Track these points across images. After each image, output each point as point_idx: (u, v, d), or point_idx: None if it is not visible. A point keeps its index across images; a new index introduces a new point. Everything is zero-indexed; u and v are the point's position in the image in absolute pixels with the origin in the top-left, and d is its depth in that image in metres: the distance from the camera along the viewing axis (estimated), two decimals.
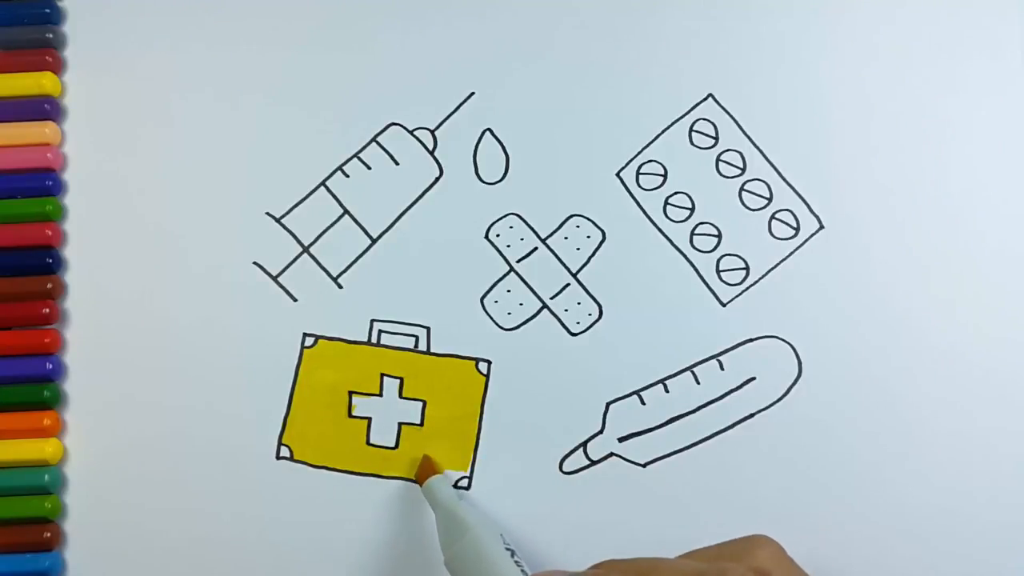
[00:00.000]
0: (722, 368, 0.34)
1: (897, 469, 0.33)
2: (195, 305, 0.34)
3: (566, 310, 0.34)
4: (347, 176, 0.35)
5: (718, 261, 0.35)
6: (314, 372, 0.34)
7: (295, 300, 0.34)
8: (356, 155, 0.35)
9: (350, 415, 0.34)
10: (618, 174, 0.35)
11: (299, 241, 0.35)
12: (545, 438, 0.34)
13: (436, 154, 0.35)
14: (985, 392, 0.34)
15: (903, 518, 0.33)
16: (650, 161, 0.35)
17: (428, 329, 0.34)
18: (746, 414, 0.34)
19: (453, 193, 0.35)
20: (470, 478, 0.34)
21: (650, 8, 0.36)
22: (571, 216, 0.35)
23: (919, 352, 0.34)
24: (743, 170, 0.35)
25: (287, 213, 0.35)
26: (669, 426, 0.34)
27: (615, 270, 0.35)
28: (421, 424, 0.34)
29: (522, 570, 0.30)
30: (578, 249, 0.35)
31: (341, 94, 0.35)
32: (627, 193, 0.35)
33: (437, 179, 0.35)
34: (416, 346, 0.34)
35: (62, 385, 0.34)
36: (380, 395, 0.34)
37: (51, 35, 0.35)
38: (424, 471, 0.33)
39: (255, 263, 0.35)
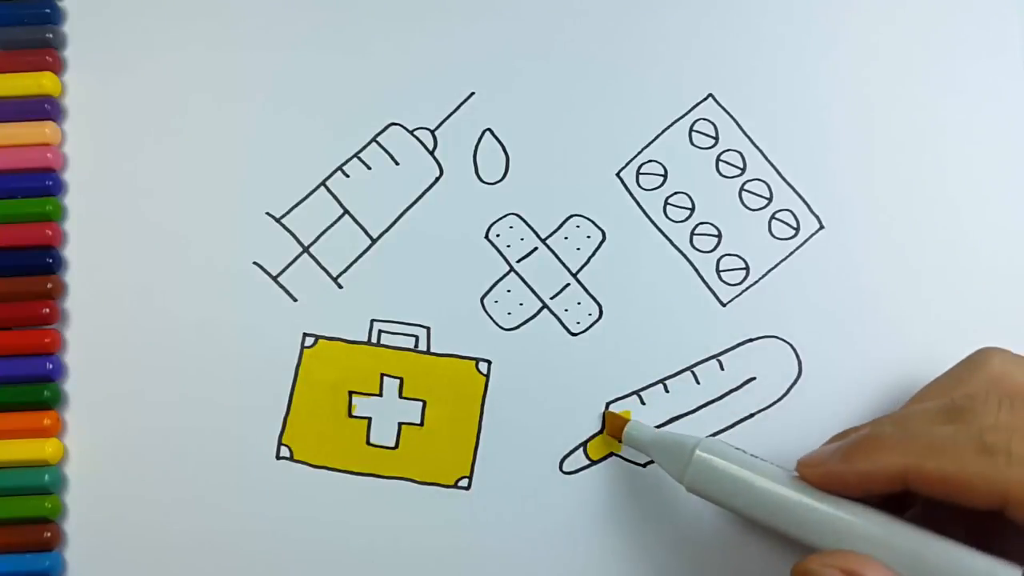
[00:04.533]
0: (722, 368, 0.34)
1: None
2: (195, 305, 0.34)
3: (566, 310, 0.34)
4: (347, 176, 0.35)
5: (718, 261, 0.35)
6: (314, 372, 0.34)
7: (295, 300, 0.34)
8: (356, 155, 0.35)
9: (350, 415, 0.34)
10: (618, 174, 0.35)
11: (299, 241, 0.35)
12: (545, 438, 0.34)
13: (436, 154, 0.35)
14: None
15: None
16: (650, 161, 0.35)
17: (428, 329, 0.34)
18: (746, 414, 0.34)
19: (453, 193, 0.35)
20: (470, 478, 0.34)
21: (650, 8, 0.36)
22: (571, 216, 0.35)
23: (919, 352, 0.34)
24: (743, 170, 0.35)
25: (287, 213, 0.35)
26: (669, 426, 0.34)
27: (615, 270, 0.35)
28: (421, 424, 0.34)
29: (761, 459, 0.29)
30: (578, 249, 0.35)
31: (341, 94, 0.35)
32: (627, 193, 0.35)
33: (437, 179, 0.35)
34: (416, 346, 0.34)
35: (62, 385, 0.34)
36: (380, 395, 0.34)
37: (51, 35, 0.35)
38: (614, 425, 0.33)
39: (255, 263, 0.35)
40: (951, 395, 0.28)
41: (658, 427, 0.34)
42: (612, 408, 0.34)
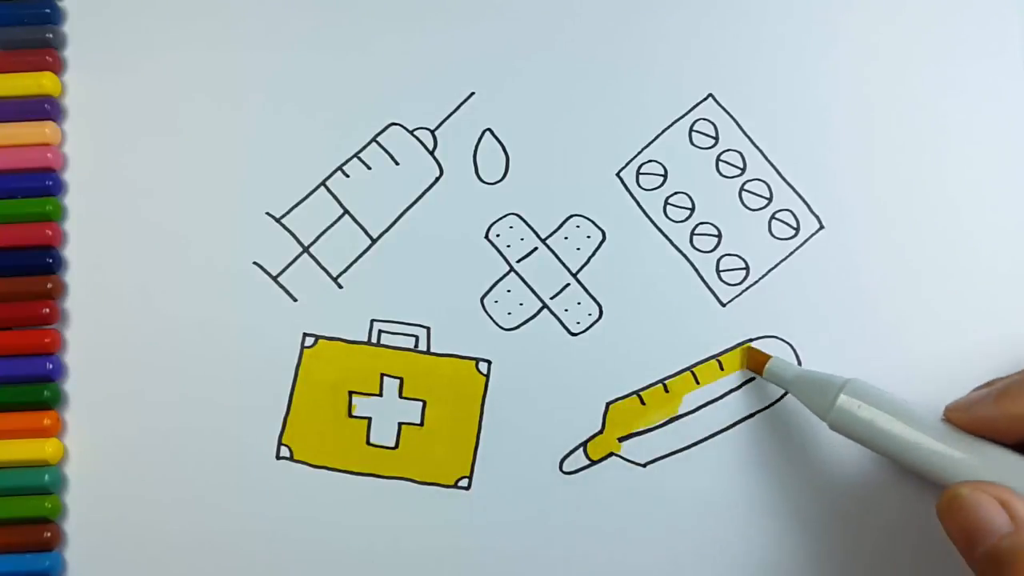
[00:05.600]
0: (722, 368, 0.34)
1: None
2: (195, 305, 0.34)
3: (566, 310, 0.34)
4: (347, 176, 0.35)
5: (718, 261, 0.35)
6: (314, 372, 0.34)
7: (295, 300, 0.34)
8: (356, 155, 0.35)
9: (350, 415, 0.34)
10: (618, 174, 0.35)
11: (299, 241, 0.35)
12: (545, 438, 0.34)
13: (436, 154, 0.35)
14: None
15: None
16: (650, 161, 0.35)
17: (428, 329, 0.34)
18: (746, 414, 0.34)
19: (453, 193, 0.35)
20: (470, 478, 0.34)
21: (650, 8, 0.36)
22: (571, 216, 0.35)
23: (919, 352, 0.34)
24: (743, 170, 0.35)
25: (287, 213, 0.35)
26: (669, 426, 0.34)
27: (615, 270, 0.35)
28: (421, 424, 0.34)
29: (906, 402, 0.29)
30: (578, 249, 0.35)
31: (341, 94, 0.35)
32: (627, 193, 0.35)
33: (437, 179, 0.35)
34: (416, 346, 0.34)
35: (62, 385, 0.34)
36: (380, 395, 0.34)
37: (51, 35, 0.35)
38: (755, 360, 0.33)
39: (255, 263, 0.35)
40: None
41: (658, 427, 0.34)
42: (612, 408, 0.34)
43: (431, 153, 0.35)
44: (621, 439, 0.34)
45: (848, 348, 0.34)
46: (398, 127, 0.35)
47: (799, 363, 0.34)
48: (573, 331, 0.34)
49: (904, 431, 0.28)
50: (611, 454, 0.34)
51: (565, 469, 0.34)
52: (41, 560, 0.33)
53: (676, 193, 0.35)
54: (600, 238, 0.35)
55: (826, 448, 0.33)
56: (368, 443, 0.34)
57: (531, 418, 0.34)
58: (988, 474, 0.27)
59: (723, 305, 0.34)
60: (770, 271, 0.35)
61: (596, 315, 0.34)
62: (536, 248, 0.35)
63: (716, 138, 0.35)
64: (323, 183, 0.35)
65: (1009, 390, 0.27)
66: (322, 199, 0.35)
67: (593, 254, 0.35)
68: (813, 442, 0.33)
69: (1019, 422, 0.26)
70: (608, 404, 0.34)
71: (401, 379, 0.34)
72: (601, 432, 0.34)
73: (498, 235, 0.35)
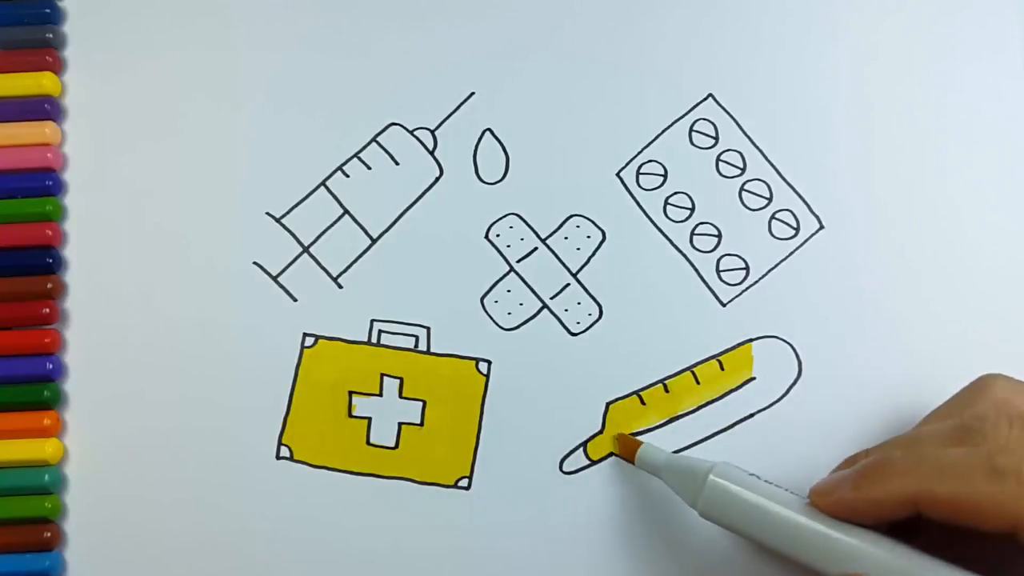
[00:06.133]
0: (722, 368, 0.34)
1: None
2: (195, 305, 0.34)
3: (566, 310, 0.34)
4: (347, 176, 0.35)
5: (718, 261, 0.35)
6: (314, 372, 0.34)
7: (295, 300, 0.34)
8: (356, 155, 0.35)
9: (350, 415, 0.34)
10: (618, 174, 0.35)
11: (299, 241, 0.35)
12: (545, 438, 0.34)
13: (436, 154, 0.35)
14: None
15: None
16: (650, 161, 0.35)
17: (428, 329, 0.34)
18: (746, 414, 0.34)
19: (453, 193, 0.35)
20: (470, 478, 0.34)
21: (650, 8, 0.36)
22: (571, 216, 0.35)
23: (919, 353, 0.34)
24: (743, 170, 0.35)
25: (287, 213, 0.35)
26: (669, 426, 0.34)
27: (615, 270, 0.35)
28: (421, 424, 0.34)
29: (775, 485, 0.29)
30: (578, 249, 0.35)
31: (341, 94, 0.35)
32: (627, 193, 0.35)
33: (437, 179, 0.35)
34: (416, 346, 0.34)
35: (62, 385, 0.34)
36: (380, 395, 0.34)
37: (51, 35, 0.35)
38: (626, 447, 0.33)
39: (255, 263, 0.35)
40: (960, 417, 0.27)
41: (658, 427, 0.34)
42: (612, 408, 0.34)
43: (431, 153, 0.35)
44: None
45: (848, 348, 0.34)
46: (398, 127, 0.35)
47: (799, 363, 0.34)
48: (573, 331, 0.34)
49: (769, 516, 0.28)
50: (611, 454, 0.34)
51: (565, 469, 0.34)
52: (41, 560, 0.33)
53: (676, 193, 0.35)
54: (600, 238, 0.35)
55: (837, 445, 0.33)
56: (368, 443, 0.34)
57: (531, 418, 0.34)
58: (856, 559, 0.26)
59: (723, 305, 0.34)
60: (770, 271, 0.35)
61: (596, 315, 0.34)
62: (536, 248, 0.35)
63: (716, 138, 0.35)
64: (323, 183, 0.35)
65: (868, 472, 0.27)
66: (322, 199, 0.35)
67: (593, 254, 0.35)
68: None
69: (879, 505, 0.26)
70: (608, 404, 0.34)
71: (401, 379, 0.34)
72: (601, 432, 0.34)
73: (498, 235, 0.35)
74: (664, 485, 0.32)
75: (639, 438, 0.33)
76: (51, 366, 0.34)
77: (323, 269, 0.35)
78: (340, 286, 0.35)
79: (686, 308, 0.34)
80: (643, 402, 0.34)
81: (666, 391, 0.34)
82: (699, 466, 0.30)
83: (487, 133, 0.35)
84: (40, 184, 0.34)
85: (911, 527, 0.27)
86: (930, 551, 0.26)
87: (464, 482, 0.34)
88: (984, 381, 0.29)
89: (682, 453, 0.33)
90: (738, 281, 0.35)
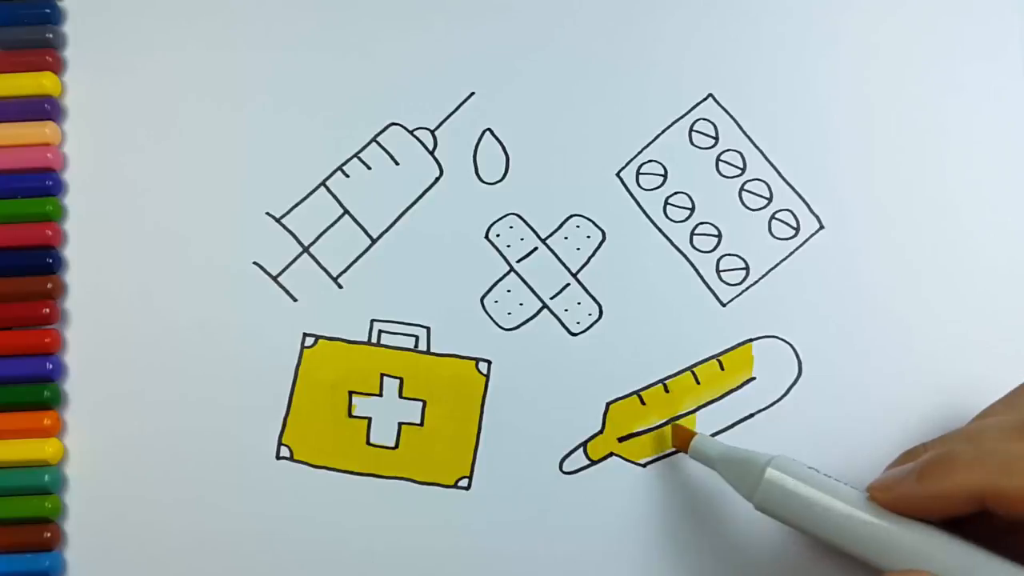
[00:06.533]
0: (722, 368, 0.34)
1: None
2: (195, 305, 0.34)
3: (566, 310, 0.34)
4: (347, 176, 0.35)
5: (718, 261, 0.35)
6: (314, 372, 0.34)
7: (295, 300, 0.34)
8: (356, 155, 0.35)
9: (350, 415, 0.34)
10: (618, 174, 0.35)
11: (299, 241, 0.35)
12: (545, 438, 0.34)
13: (436, 154, 0.35)
14: (985, 393, 0.34)
15: None
16: (650, 161, 0.35)
17: (428, 329, 0.34)
18: (746, 414, 0.34)
19: (453, 193, 0.35)
20: (470, 478, 0.34)
21: (650, 8, 0.36)
22: (571, 216, 0.35)
23: (919, 353, 0.34)
24: (743, 170, 0.35)
25: (287, 213, 0.35)
26: (669, 426, 0.34)
27: (615, 270, 0.35)
28: (421, 424, 0.34)
29: (833, 479, 0.29)
30: (578, 249, 0.35)
31: (341, 94, 0.35)
32: (627, 193, 0.35)
33: (437, 179, 0.35)
34: (416, 346, 0.34)
35: (62, 385, 0.34)
36: (380, 395, 0.34)
37: (51, 35, 0.35)
38: (680, 437, 0.32)
39: (255, 263, 0.35)
40: (1022, 412, 0.27)
41: (658, 427, 0.34)
42: (612, 408, 0.34)
43: (431, 153, 0.35)
44: (621, 439, 0.34)
45: (848, 348, 0.34)
46: (398, 127, 0.35)
47: (799, 363, 0.34)
48: (573, 331, 0.34)
49: (830, 509, 0.28)
50: (611, 454, 0.34)
51: (565, 469, 0.34)
52: (41, 560, 0.33)
53: (676, 193, 0.35)
54: (600, 238, 0.35)
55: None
56: (368, 443, 0.34)
57: (531, 418, 0.34)
58: (916, 555, 0.26)
59: (723, 305, 0.34)
60: (770, 271, 0.35)
61: (596, 315, 0.34)
62: (536, 248, 0.35)
63: (716, 138, 0.35)
64: (323, 183, 0.35)
65: (932, 466, 0.26)
66: (322, 199, 0.35)
67: (593, 254, 0.35)
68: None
69: (943, 500, 0.26)
70: (608, 404, 0.34)
71: (401, 379, 0.34)
72: (601, 432, 0.34)
73: (498, 235, 0.35)
74: (661, 484, 0.32)
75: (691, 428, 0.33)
76: (51, 366, 0.34)
77: (323, 269, 0.35)
78: (340, 286, 0.35)
79: (686, 308, 0.34)
80: (643, 402, 0.34)
81: (666, 391, 0.34)
82: (756, 459, 0.29)
83: (487, 133, 0.35)
84: (40, 184, 0.34)
85: (971, 523, 0.27)
86: (990, 547, 0.26)
87: (464, 482, 0.34)
88: None
89: (734, 445, 0.32)
90: (738, 281, 0.35)
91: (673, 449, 0.33)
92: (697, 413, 0.34)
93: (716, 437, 0.33)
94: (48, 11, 0.35)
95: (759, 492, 0.29)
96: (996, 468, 0.25)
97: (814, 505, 0.28)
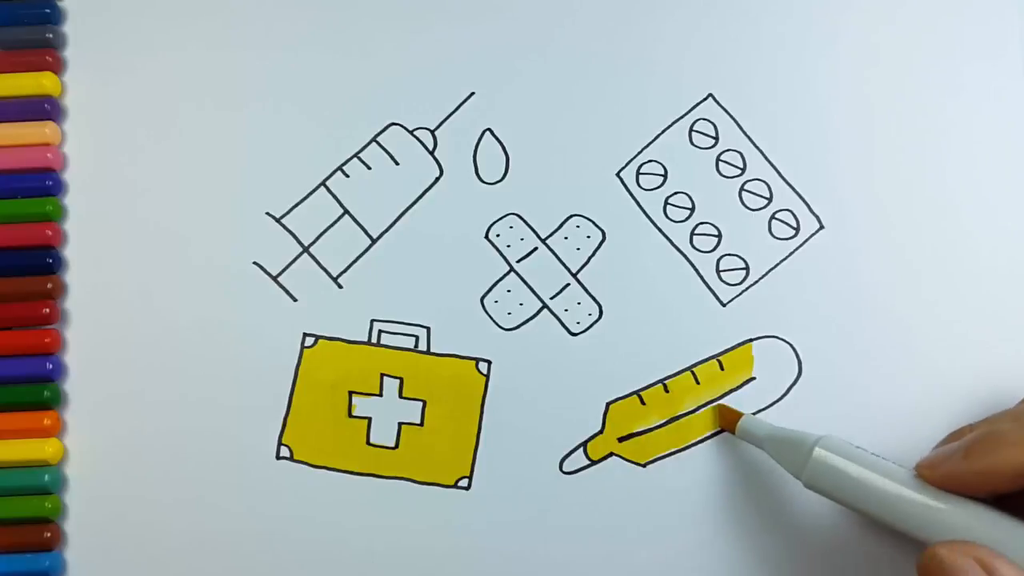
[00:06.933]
0: (722, 368, 0.34)
1: None
2: (195, 305, 0.34)
3: (566, 310, 0.34)
4: (347, 176, 0.35)
5: (718, 261, 0.35)
6: (314, 372, 0.34)
7: (295, 300, 0.34)
8: (356, 155, 0.35)
9: (350, 415, 0.34)
10: (618, 174, 0.35)
11: (299, 241, 0.35)
12: (545, 438, 0.34)
13: (436, 154, 0.35)
14: (985, 393, 0.34)
15: None
16: (650, 161, 0.35)
17: (428, 329, 0.34)
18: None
19: (453, 193, 0.35)
20: (470, 478, 0.34)
21: (650, 8, 0.36)
22: (571, 216, 0.35)
23: (919, 353, 0.34)
24: (743, 170, 0.35)
25: (287, 213, 0.35)
26: (669, 426, 0.34)
27: (615, 270, 0.35)
28: (421, 424, 0.34)
29: (881, 457, 0.29)
30: (578, 249, 0.35)
31: (341, 94, 0.35)
32: (627, 193, 0.35)
33: (437, 179, 0.35)
34: (416, 346, 0.34)
35: (62, 385, 0.34)
36: (380, 395, 0.34)
37: (51, 35, 0.35)
38: (726, 417, 0.33)
39: (255, 263, 0.35)
40: None
41: (658, 427, 0.34)
42: (612, 408, 0.34)
43: (431, 153, 0.35)
44: (621, 439, 0.34)
45: (848, 348, 0.34)
46: (398, 127, 0.35)
47: (799, 363, 0.34)
48: (573, 331, 0.34)
49: (879, 487, 0.28)
50: (611, 454, 0.34)
51: (565, 469, 0.34)
52: (41, 560, 0.33)
53: (676, 193, 0.35)
54: (600, 238, 0.35)
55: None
56: (368, 443, 0.34)
57: (531, 418, 0.34)
58: (964, 531, 0.27)
59: (723, 305, 0.34)
60: (770, 271, 0.35)
61: (596, 315, 0.34)
62: (536, 248, 0.35)
63: (716, 138, 0.35)
64: (323, 183, 0.35)
65: (979, 444, 0.27)
66: (322, 199, 0.35)
67: (593, 254, 0.35)
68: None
69: (990, 477, 0.26)
70: (608, 404, 0.34)
71: (401, 379, 0.34)
72: (601, 432, 0.34)
73: (498, 235, 0.35)
74: (661, 484, 0.32)
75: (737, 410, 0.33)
76: (51, 366, 0.34)
77: (323, 269, 0.35)
78: (340, 286, 0.35)
79: (686, 308, 0.34)
80: (643, 402, 0.34)
81: (666, 391, 0.34)
82: (804, 438, 0.30)
83: (487, 133, 0.35)
84: (40, 184, 0.34)
85: (1019, 499, 0.27)
86: None
87: (464, 482, 0.34)
88: None
89: (785, 427, 0.32)
90: (738, 281, 0.35)
91: (718, 430, 0.33)
92: (697, 413, 0.34)
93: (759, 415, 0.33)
94: (48, 11, 0.35)
95: (807, 470, 0.29)
96: None
97: (862, 483, 0.28)
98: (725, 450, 0.34)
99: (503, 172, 0.35)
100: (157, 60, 0.36)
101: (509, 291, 0.34)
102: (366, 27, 0.36)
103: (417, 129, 0.35)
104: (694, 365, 0.34)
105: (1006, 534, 0.26)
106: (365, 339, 0.34)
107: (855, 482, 0.29)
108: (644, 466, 0.34)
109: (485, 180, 0.35)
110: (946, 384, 0.34)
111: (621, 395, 0.34)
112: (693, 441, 0.34)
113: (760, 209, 0.35)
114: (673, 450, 0.34)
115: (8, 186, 0.35)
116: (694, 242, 0.35)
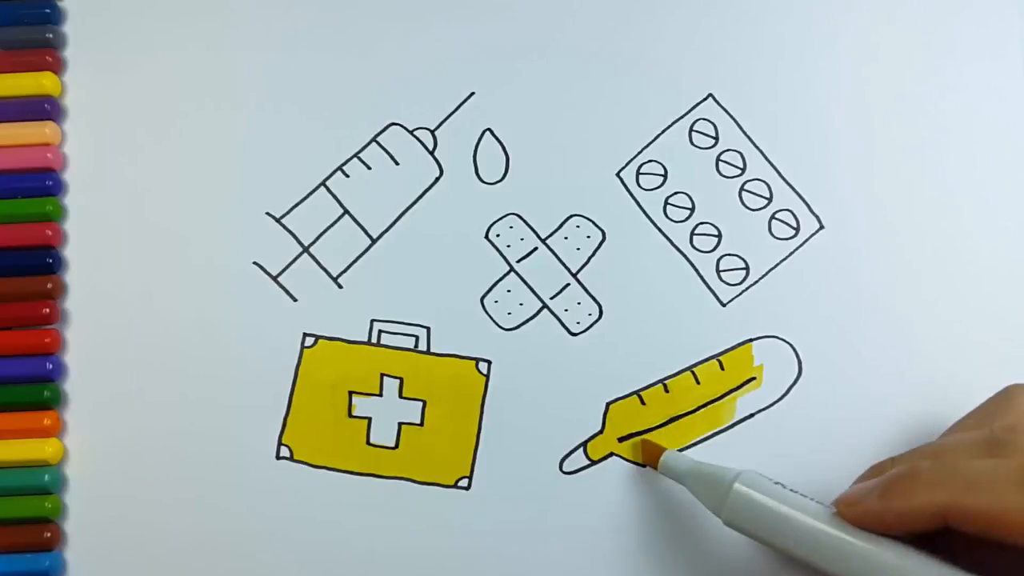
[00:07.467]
0: (722, 368, 0.34)
1: None
2: (195, 305, 0.34)
3: (566, 310, 0.34)
4: (347, 176, 0.35)
5: (718, 261, 0.35)
6: (314, 372, 0.34)
7: (295, 300, 0.34)
8: (356, 155, 0.35)
9: (350, 415, 0.34)
10: (618, 174, 0.35)
11: (299, 241, 0.35)
12: (545, 438, 0.34)
13: (436, 154, 0.35)
14: (983, 394, 0.34)
15: None
16: (650, 161, 0.35)
17: (428, 329, 0.34)
18: (746, 414, 0.34)
19: (453, 193, 0.35)
20: (470, 478, 0.34)
21: (650, 8, 0.36)
22: (571, 216, 0.35)
23: (919, 353, 0.34)
24: (743, 170, 0.35)
25: (287, 213, 0.35)
26: (669, 426, 0.34)
27: (615, 270, 0.35)
28: (421, 424, 0.34)
29: (800, 494, 0.29)
30: (578, 249, 0.35)
31: (341, 94, 0.35)
32: (627, 193, 0.35)
33: (437, 179, 0.35)
34: (416, 346, 0.34)
35: (62, 385, 0.34)
36: (380, 395, 0.34)
37: (51, 35, 0.35)
38: (649, 453, 0.33)
39: (255, 263, 0.35)
40: (988, 428, 0.27)
41: (658, 427, 0.34)
42: (612, 408, 0.34)
43: (431, 153, 0.35)
44: (621, 439, 0.34)
45: (848, 348, 0.34)
46: (398, 127, 0.35)
47: (800, 363, 0.34)
48: (573, 331, 0.34)
49: (795, 526, 0.28)
50: (611, 454, 0.34)
51: (565, 469, 0.34)
52: (41, 560, 0.33)
53: (676, 193, 0.35)
54: (600, 238, 0.35)
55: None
56: (368, 443, 0.34)
57: (531, 418, 0.34)
58: (882, 570, 0.26)
59: (723, 305, 0.34)
60: (770, 271, 0.35)
61: (596, 315, 0.34)
62: (536, 248, 0.35)
63: (716, 138, 0.35)
64: (323, 183, 0.35)
65: (896, 483, 0.27)
66: (322, 199, 0.35)
67: (593, 254, 0.35)
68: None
69: (907, 517, 0.26)
70: (608, 404, 0.34)
71: (401, 379, 0.34)
72: (601, 432, 0.34)
73: (498, 235, 0.35)
74: (665, 487, 0.32)
75: (647, 439, 0.33)
76: (51, 366, 0.34)
77: (323, 269, 0.35)
78: (340, 286, 0.35)
79: (686, 308, 0.34)
80: (643, 402, 0.34)
81: (666, 391, 0.34)
82: (724, 474, 0.30)
83: (487, 133, 0.35)
84: (40, 184, 0.34)
85: (937, 538, 0.27)
86: (957, 563, 0.26)
87: (464, 482, 0.34)
88: (1012, 391, 0.29)
89: (704, 460, 0.32)
90: (738, 281, 0.35)
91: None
92: (698, 412, 0.34)
93: (685, 452, 0.33)
94: (48, 11, 0.35)
95: (727, 507, 0.29)
96: (958, 487, 0.25)
97: (780, 519, 0.28)
98: (727, 449, 0.34)
99: (503, 172, 0.35)
100: (157, 60, 0.36)
101: (509, 291, 0.34)
102: (366, 27, 0.36)
103: (417, 129, 0.35)
104: (694, 365, 0.34)
105: (920, 572, 0.26)
106: (365, 339, 0.34)
107: (774, 518, 0.28)
108: (644, 466, 0.34)
109: (485, 180, 0.35)
110: (946, 384, 0.34)
111: (621, 395, 0.34)
112: (693, 441, 0.34)
113: (760, 209, 0.35)
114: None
115: (8, 186, 0.35)
116: (694, 242, 0.35)
